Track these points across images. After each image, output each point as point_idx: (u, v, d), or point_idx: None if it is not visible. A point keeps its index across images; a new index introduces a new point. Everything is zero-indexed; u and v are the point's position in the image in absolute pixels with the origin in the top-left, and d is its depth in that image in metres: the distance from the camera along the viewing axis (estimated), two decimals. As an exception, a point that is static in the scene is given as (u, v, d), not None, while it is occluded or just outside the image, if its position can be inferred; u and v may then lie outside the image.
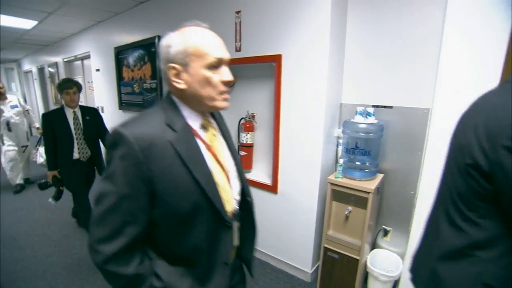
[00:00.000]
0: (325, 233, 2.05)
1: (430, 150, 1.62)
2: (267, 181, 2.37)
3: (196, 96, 0.81)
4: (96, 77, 4.61)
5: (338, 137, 2.14)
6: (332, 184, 1.94)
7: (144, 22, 3.27)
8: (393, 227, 2.12)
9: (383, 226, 2.16)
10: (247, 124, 2.44)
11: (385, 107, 1.97)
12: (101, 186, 0.75)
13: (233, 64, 2.40)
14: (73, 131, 2.52)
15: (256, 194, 2.43)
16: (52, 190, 2.71)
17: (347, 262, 1.98)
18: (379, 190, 1.96)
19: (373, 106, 1.98)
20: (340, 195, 1.96)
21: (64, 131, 2.49)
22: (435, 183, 1.60)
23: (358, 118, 1.88)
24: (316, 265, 2.25)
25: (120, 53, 3.77)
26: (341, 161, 1.93)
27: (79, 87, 2.57)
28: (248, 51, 2.27)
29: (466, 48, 1.45)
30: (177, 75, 0.79)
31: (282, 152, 2.21)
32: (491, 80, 1.40)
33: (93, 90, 4.87)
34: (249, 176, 2.52)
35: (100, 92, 4.61)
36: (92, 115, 2.66)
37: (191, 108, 0.85)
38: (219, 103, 0.83)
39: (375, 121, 1.89)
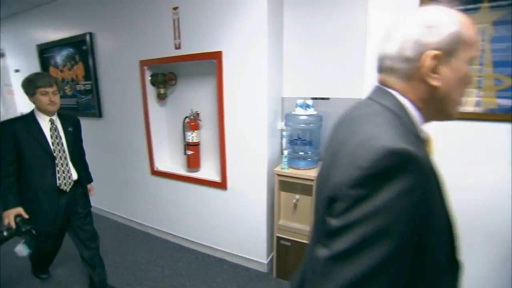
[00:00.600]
0: (276, 223, 2.13)
1: (363, 136, 1.78)
2: (216, 178, 2.36)
3: (445, 99, 0.59)
4: (16, 79, 4.06)
5: (282, 130, 2.22)
6: (279, 175, 2.02)
7: (72, 17, 2.96)
8: (338, 210, 2.28)
9: (328, 210, 2.31)
10: (192, 123, 2.40)
11: (322, 99, 2.11)
12: (352, 236, 0.48)
13: (173, 62, 2.37)
14: (52, 148, 1.78)
15: (206, 192, 2.42)
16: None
17: (299, 247, 2.08)
18: (322, 177, 2.09)
19: (312, 98, 2.10)
20: (287, 185, 2.04)
21: (39, 148, 1.73)
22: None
23: (299, 111, 1.98)
24: (271, 254, 2.32)
25: (45, 51, 3.37)
26: (285, 152, 2.02)
27: (59, 86, 1.85)
28: (188, 49, 2.22)
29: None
30: (434, 67, 0.57)
31: (228, 148, 2.22)
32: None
33: (13, 94, 4.28)
34: (198, 174, 2.49)
35: (23, 96, 4.06)
36: (75, 126, 1.96)
37: (424, 115, 0.62)
38: (458, 111, 0.63)
39: (314, 113, 2.00)
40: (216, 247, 2.53)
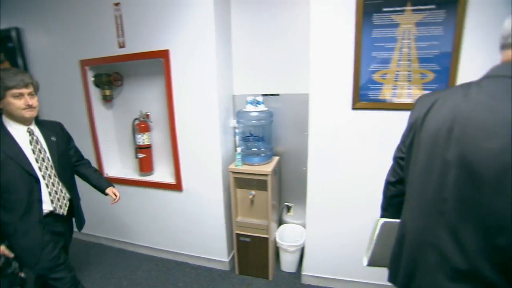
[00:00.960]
0: (234, 220, 2.14)
1: (312, 129, 1.87)
2: (171, 180, 2.30)
3: None
4: None
5: (234, 127, 2.24)
6: (233, 172, 2.03)
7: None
8: (294, 202, 2.37)
9: (285, 203, 2.39)
10: (142, 125, 2.31)
11: (272, 95, 2.17)
12: None
13: (117, 61, 2.25)
14: (34, 165, 1.40)
15: (161, 196, 2.36)
16: None
17: (258, 242, 2.12)
18: (276, 171, 2.15)
19: (262, 95, 2.14)
20: (242, 181, 2.07)
21: (16, 168, 1.33)
22: (318, 158, 1.88)
23: (249, 107, 2.01)
24: (232, 252, 2.33)
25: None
26: (239, 149, 2.04)
27: (36, 86, 1.44)
28: (133, 47, 2.12)
29: (328, 40, 1.71)
30: None
31: (181, 149, 2.18)
32: (348, 67, 1.69)
33: None
34: (151, 178, 2.41)
35: None
36: (58, 134, 1.57)
37: None
38: None
39: (265, 109, 2.05)
40: (176, 251, 2.47)
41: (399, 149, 0.93)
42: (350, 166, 1.84)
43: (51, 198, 1.46)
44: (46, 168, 1.45)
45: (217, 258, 2.34)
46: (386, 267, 0.94)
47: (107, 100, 2.43)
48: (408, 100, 1.67)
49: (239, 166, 2.01)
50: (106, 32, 2.16)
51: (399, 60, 1.64)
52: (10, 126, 1.38)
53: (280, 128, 2.22)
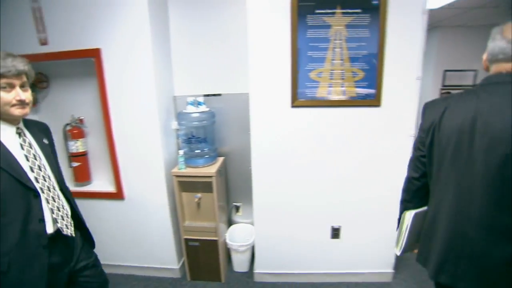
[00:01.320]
0: (181, 225, 2.07)
1: (254, 128, 1.89)
2: (111, 189, 2.14)
3: None
4: None
5: (177, 129, 2.16)
6: (177, 176, 1.96)
7: None
8: (242, 202, 2.38)
9: (233, 203, 2.38)
10: (75, 130, 2.10)
11: (214, 95, 2.14)
12: None
13: (39, 60, 2.02)
14: (30, 174, 1.07)
15: (101, 206, 2.19)
16: None
17: (208, 246, 2.08)
18: (221, 172, 2.13)
19: (204, 95, 2.10)
20: (187, 185, 2.01)
21: (7, 180, 0.99)
22: (262, 156, 1.90)
23: (190, 108, 1.96)
24: (182, 258, 2.26)
25: None
26: (181, 152, 1.97)
27: (30, 76, 1.11)
28: (59, 45, 1.92)
29: (265, 40, 1.74)
30: None
31: (120, 154, 2.04)
32: (286, 66, 1.73)
33: None
34: (89, 188, 2.21)
35: None
36: (48, 137, 1.27)
37: None
38: None
39: (207, 109, 2.02)
40: (120, 264, 2.31)
41: (417, 148, 1.06)
42: (292, 162, 1.89)
43: (54, 216, 1.13)
44: (44, 179, 1.11)
45: (166, 266, 2.25)
46: (412, 251, 1.13)
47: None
48: (343, 97, 1.77)
49: (182, 169, 1.95)
50: (23, 27, 1.92)
51: (333, 60, 1.73)
52: None
53: (223, 128, 2.20)
